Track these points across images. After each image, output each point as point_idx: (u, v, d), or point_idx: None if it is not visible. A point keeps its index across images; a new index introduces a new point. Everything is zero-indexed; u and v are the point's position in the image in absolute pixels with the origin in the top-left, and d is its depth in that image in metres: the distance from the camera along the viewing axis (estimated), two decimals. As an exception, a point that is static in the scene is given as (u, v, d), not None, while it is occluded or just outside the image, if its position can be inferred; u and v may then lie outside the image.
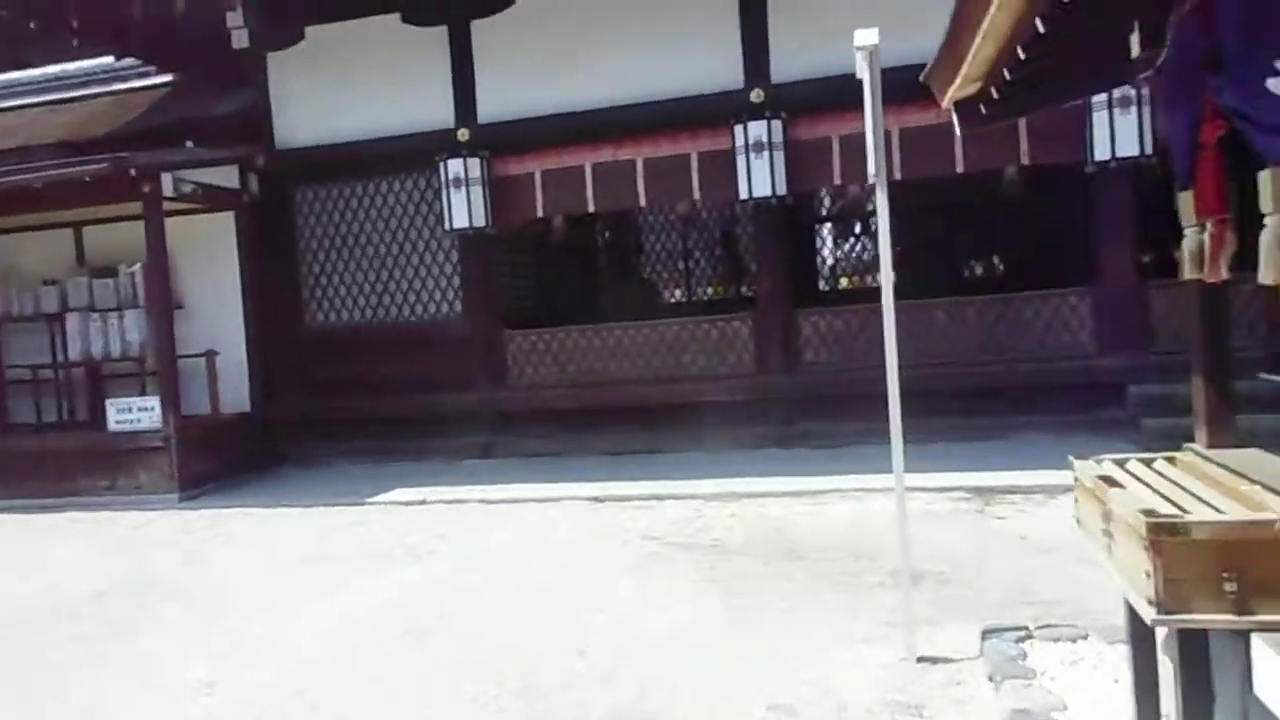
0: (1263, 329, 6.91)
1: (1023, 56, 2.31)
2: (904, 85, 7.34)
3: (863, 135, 7.65)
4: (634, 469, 7.63)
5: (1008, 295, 7.53)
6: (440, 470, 8.16)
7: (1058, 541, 5.11)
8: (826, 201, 12.86)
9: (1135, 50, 2.75)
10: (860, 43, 3.46)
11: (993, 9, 2.34)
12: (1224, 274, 2.30)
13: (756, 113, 7.57)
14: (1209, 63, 2.19)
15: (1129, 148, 6.73)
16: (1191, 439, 7.05)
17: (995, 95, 2.95)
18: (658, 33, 7.97)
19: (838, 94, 7.46)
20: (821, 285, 12.54)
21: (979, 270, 11.97)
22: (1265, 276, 2.00)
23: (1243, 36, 2.00)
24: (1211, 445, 2.73)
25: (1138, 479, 2.51)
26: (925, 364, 7.65)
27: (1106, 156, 6.81)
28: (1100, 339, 7.27)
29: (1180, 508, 2.13)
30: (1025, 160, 7.33)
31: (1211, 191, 2.26)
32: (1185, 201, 2.49)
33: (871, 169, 3.61)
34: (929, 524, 5.52)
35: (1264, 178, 1.98)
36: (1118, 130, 6.74)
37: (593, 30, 8.13)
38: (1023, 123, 7.26)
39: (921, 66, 7.47)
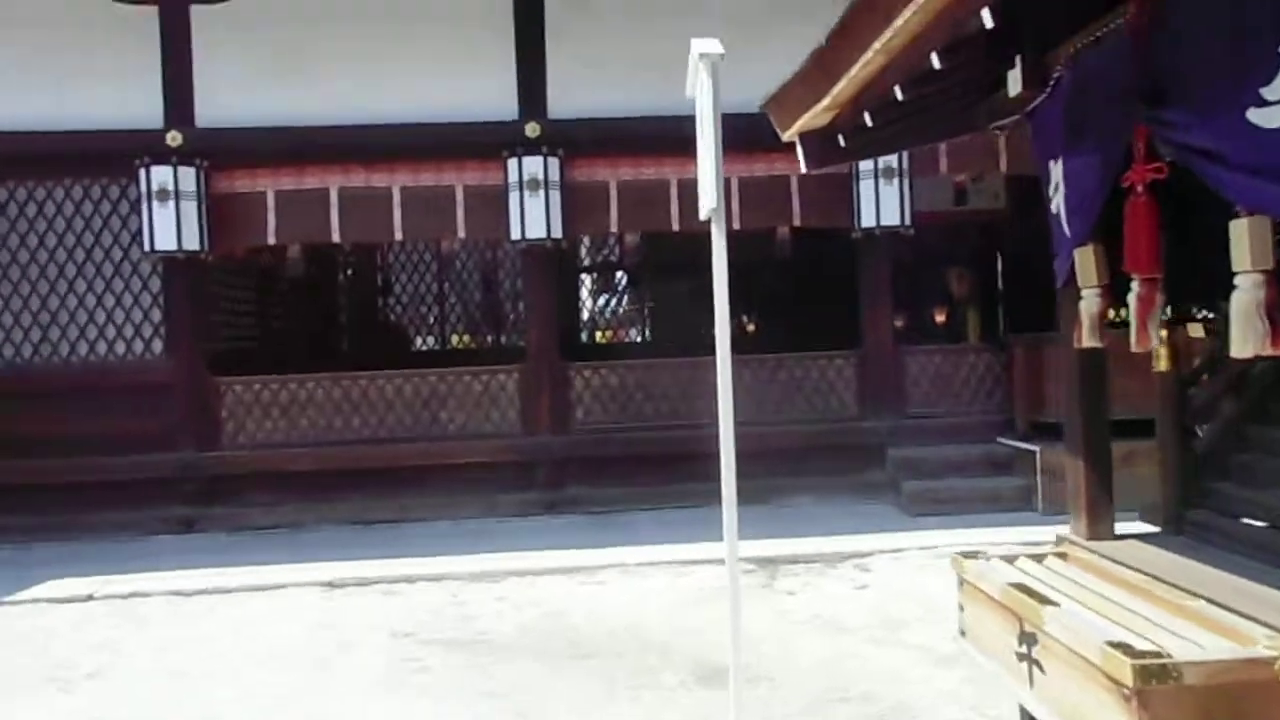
0: (999, 395, 7.35)
1: (937, 63, 1.87)
2: (686, 136, 7.21)
3: (641, 182, 7.32)
4: (381, 543, 6.51)
5: (780, 356, 7.45)
6: (120, 552, 6.44)
7: (849, 620, 4.83)
8: (586, 250, 12.52)
9: (1015, 88, 2.46)
10: (702, 50, 2.90)
11: (906, 15, 1.87)
12: (1154, 341, 1.97)
13: (532, 148, 6.94)
14: (1149, 94, 1.88)
15: (891, 217, 6.94)
16: (943, 501, 7.21)
17: (869, 123, 2.52)
18: (423, 47, 7.12)
19: (617, 136, 7.12)
20: (583, 338, 12.10)
21: (750, 328, 12.16)
22: (1240, 349, 1.66)
23: (1214, 60, 1.67)
24: (1091, 536, 2.43)
25: (1048, 585, 2.10)
26: (701, 423, 7.34)
27: (872, 224, 6.98)
28: (863, 402, 7.38)
29: (1148, 639, 1.70)
30: (796, 221, 7.35)
31: (1144, 245, 1.92)
32: (1086, 259, 2.17)
33: (709, 203, 3.06)
34: (721, 602, 5.04)
35: (1239, 229, 1.65)
36: (882, 199, 6.93)
37: (345, 33, 7.10)
38: (794, 185, 7.30)
39: (684, 119, 7.06)
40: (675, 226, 7.28)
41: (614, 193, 7.27)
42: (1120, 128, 1.95)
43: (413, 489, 7.09)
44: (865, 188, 6.97)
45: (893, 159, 6.89)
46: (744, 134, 7.09)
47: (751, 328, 12.83)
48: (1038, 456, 6.59)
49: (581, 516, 7.10)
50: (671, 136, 7.15)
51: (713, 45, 2.95)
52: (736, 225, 7.29)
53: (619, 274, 13.10)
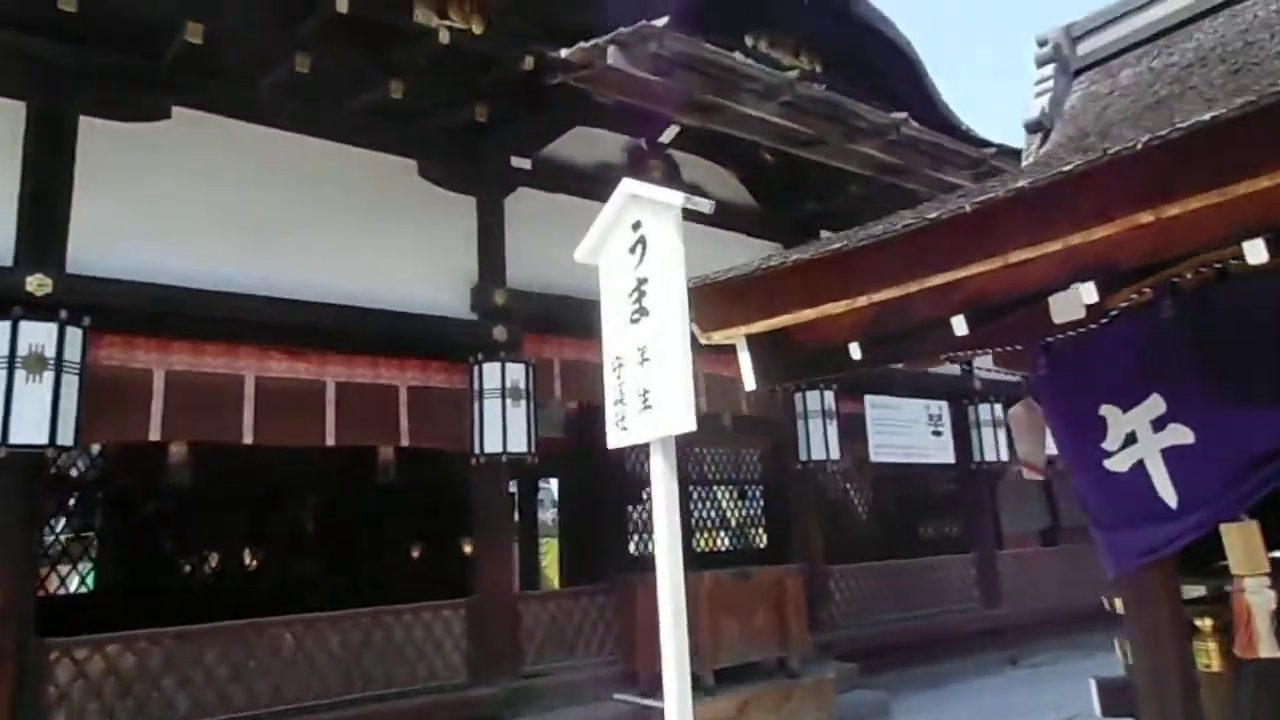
0: (610, 644, 6.73)
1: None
2: (268, 323, 5.63)
3: (201, 375, 5.43)
4: None
5: (378, 610, 5.81)
6: None
7: None
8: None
9: (1073, 310, 1.94)
10: (660, 197, 1.90)
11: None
12: None
13: (40, 310, 4.66)
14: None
15: (518, 442, 6.17)
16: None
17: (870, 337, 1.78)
18: None
19: (173, 310, 5.27)
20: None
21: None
22: None
23: None
24: None
25: None
26: (265, 711, 5.25)
27: (497, 449, 6.10)
28: (474, 663, 6.07)
29: None
30: (405, 441, 6.11)
31: None
32: (1247, 538, 1.66)
33: (678, 420, 1.97)
34: None
35: None
36: (509, 421, 6.15)
37: None
38: (404, 398, 6.14)
39: (294, 303, 5.71)
40: (248, 438, 5.46)
41: (160, 386, 5.23)
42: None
43: None
44: (490, 408, 6.13)
45: (520, 379, 6.25)
46: (341, 330, 5.90)
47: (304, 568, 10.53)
48: (672, 714, 6.00)
49: None
50: (253, 321, 5.56)
51: (665, 193, 1.98)
52: (330, 441, 5.80)
53: (75, 492, 9.73)
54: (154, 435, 5.19)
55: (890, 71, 7.08)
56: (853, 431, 8.44)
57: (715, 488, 12.19)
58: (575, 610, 6.68)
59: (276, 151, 5.91)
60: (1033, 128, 3.10)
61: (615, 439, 2.28)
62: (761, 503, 12.12)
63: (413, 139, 6.31)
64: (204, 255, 5.44)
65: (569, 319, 6.89)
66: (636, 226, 2.06)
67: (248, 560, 10.88)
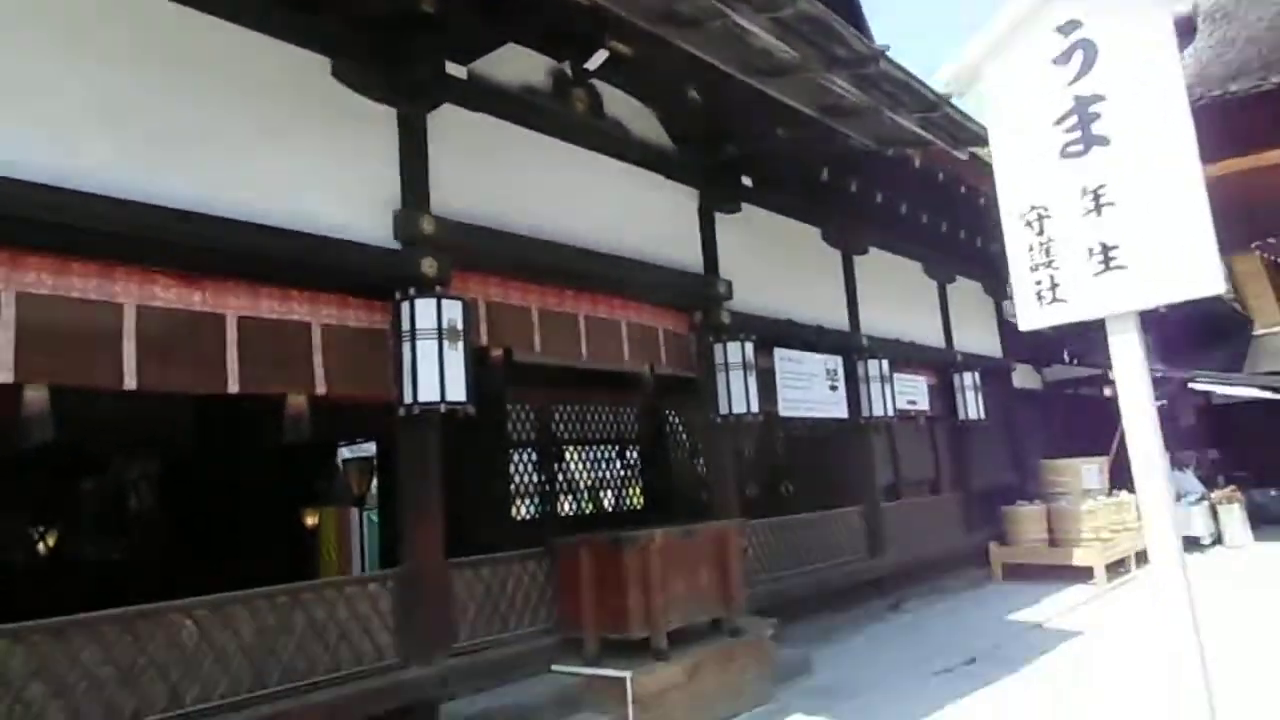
0: (552, 615, 6.15)
1: None
2: (153, 239, 4.50)
3: (60, 300, 4.30)
4: None
5: (292, 588, 4.87)
6: None
7: None
8: None
9: None
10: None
11: None
12: None
13: None
14: None
15: (457, 392, 5.39)
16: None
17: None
18: None
19: (27, 215, 4.09)
20: None
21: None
22: None
23: None
24: None
25: None
26: (161, 717, 4.25)
27: (433, 398, 5.30)
28: (406, 641, 5.28)
29: None
30: (320, 388, 5.16)
31: None
32: None
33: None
34: None
35: None
36: (447, 366, 5.36)
37: None
38: (317, 338, 5.21)
39: (186, 215, 4.95)
40: (130, 383, 4.35)
41: (10, 315, 4.01)
42: None
43: None
44: (425, 350, 5.30)
45: (457, 318, 5.46)
46: (245, 253, 4.86)
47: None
48: (629, 684, 5.54)
49: None
50: (134, 235, 4.43)
51: None
52: (234, 388, 4.78)
53: None
54: (3, 377, 3.97)
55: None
56: (764, 386, 8.27)
57: (588, 448, 11.64)
58: (510, 578, 6.01)
59: (164, 25, 4.72)
60: (1182, 26, 2.90)
61: (1039, 315, 1.73)
62: (638, 462, 11.81)
63: (330, 30, 5.29)
64: (72, 147, 4.23)
65: (495, 253, 6.18)
66: (1069, 28, 1.54)
67: (37, 542, 9.16)
